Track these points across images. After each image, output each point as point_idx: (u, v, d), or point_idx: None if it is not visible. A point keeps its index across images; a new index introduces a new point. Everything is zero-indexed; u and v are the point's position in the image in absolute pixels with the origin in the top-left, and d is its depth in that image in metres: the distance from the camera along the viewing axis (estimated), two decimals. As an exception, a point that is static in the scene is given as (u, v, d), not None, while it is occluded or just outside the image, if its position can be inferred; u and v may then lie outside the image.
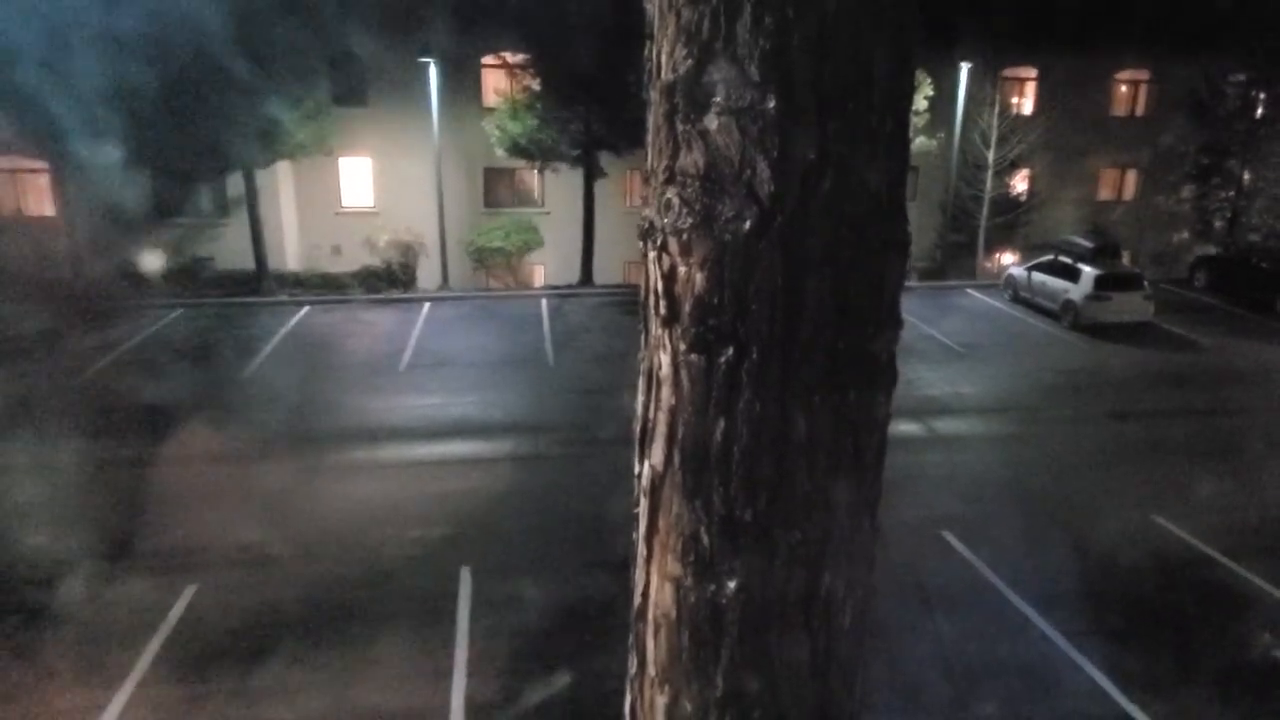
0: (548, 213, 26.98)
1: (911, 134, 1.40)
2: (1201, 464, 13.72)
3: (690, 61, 1.28)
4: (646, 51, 1.39)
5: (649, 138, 1.40)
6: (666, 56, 1.32)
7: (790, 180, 1.27)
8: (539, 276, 27.40)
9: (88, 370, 16.77)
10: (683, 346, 1.38)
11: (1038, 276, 22.42)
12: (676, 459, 1.43)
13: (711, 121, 1.28)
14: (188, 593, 9.61)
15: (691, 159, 1.31)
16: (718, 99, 1.27)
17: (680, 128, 1.32)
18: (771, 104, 1.24)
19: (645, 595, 1.56)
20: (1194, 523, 11.57)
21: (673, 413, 1.42)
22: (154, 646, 8.75)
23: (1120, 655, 8.93)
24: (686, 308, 1.36)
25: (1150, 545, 11.20)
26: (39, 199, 23.69)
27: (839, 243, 1.31)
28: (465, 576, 10.06)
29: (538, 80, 23.25)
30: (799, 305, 1.31)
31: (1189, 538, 11.27)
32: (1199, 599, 10.11)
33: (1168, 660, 8.99)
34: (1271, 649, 9.20)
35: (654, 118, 1.37)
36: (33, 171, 23.19)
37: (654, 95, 1.37)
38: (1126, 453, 14.19)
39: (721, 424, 1.37)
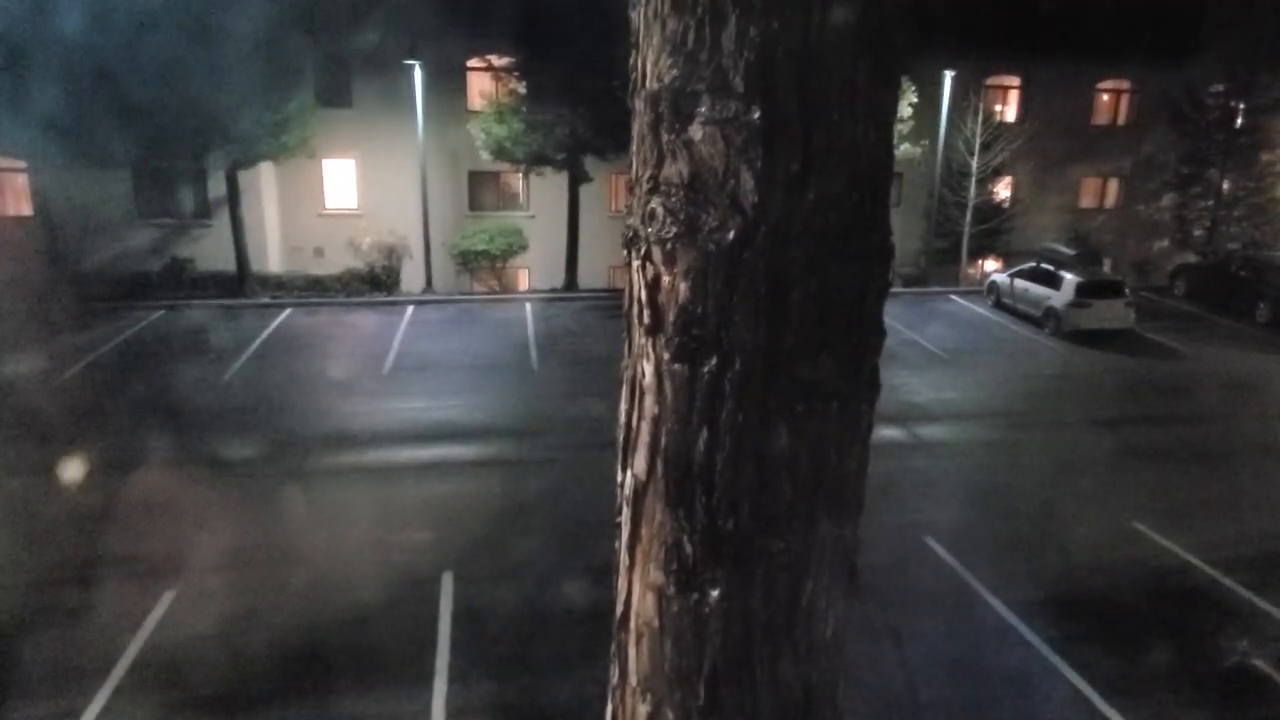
0: (532, 216, 26.94)
1: (895, 141, 1.40)
2: (1181, 471, 13.84)
3: (675, 72, 1.28)
4: (632, 61, 1.39)
5: (634, 147, 1.40)
6: (652, 66, 1.33)
7: (774, 191, 1.27)
8: (523, 280, 27.34)
9: (65, 373, 16.60)
10: (666, 356, 1.37)
11: (1020, 283, 22.60)
12: (659, 468, 1.43)
13: (696, 131, 1.28)
14: (166, 598, 9.53)
15: (676, 169, 1.31)
16: (702, 109, 1.27)
17: (665, 137, 1.32)
18: (756, 115, 1.24)
19: (628, 604, 1.56)
20: (1174, 529, 11.66)
21: (656, 422, 1.42)
22: (132, 651, 8.66)
23: (1100, 660, 8.99)
24: (670, 317, 1.36)
25: (1130, 551, 11.28)
26: (16, 198, 23.43)
27: (822, 253, 1.31)
28: (447, 581, 10.01)
29: (523, 84, 23.23)
30: (782, 315, 1.32)
31: (1169, 544, 11.36)
32: (1178, 605, 10.19)
33: (1147, 666, 9.05)
34: (1249, 655, 9.28)
35: (639, 127, 1.37)
36: (9, 171, 22.93)
37: (639, 105, 1.37)
38: (1107, 459, 14.30)
39: (705, 434, 1.37)
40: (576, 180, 23.95)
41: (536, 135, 22.75)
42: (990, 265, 28.74)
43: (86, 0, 17.72)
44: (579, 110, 21.91)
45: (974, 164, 26.08)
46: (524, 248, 26.23)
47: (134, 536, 10.79)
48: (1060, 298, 20.95)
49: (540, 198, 26.55)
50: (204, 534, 10.91)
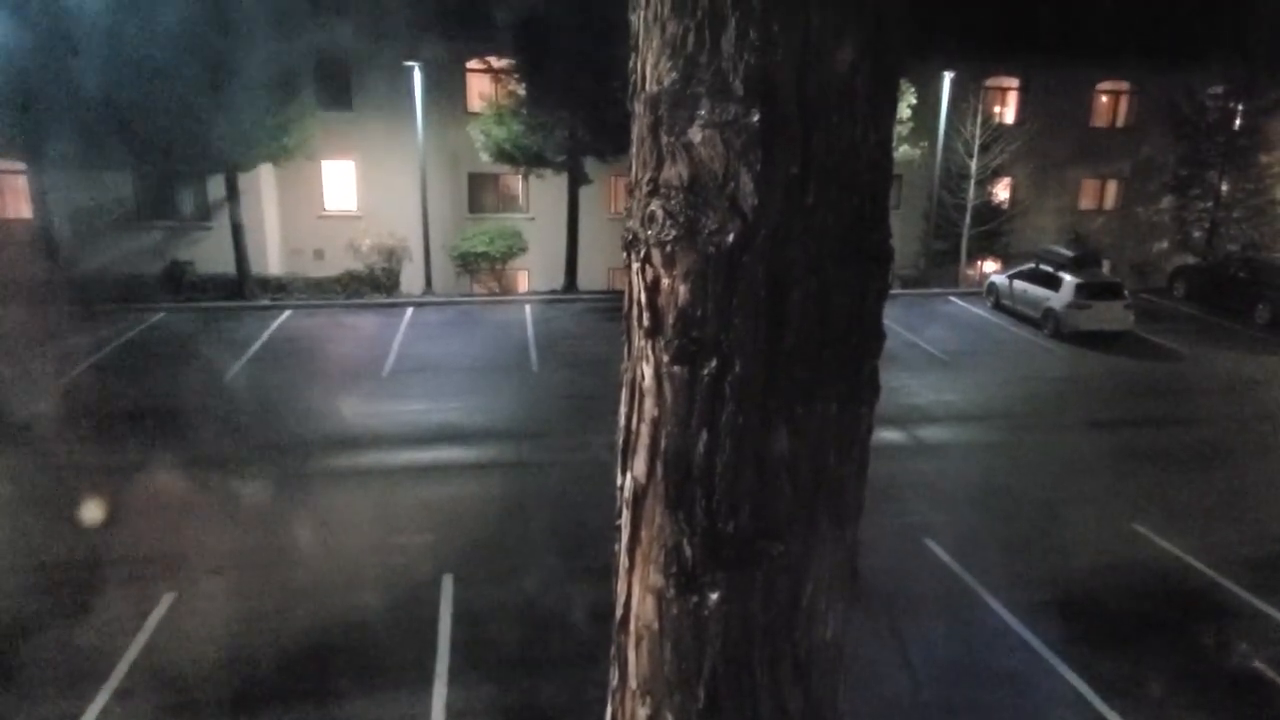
0: (532, 218, 26.95)
1: (894, 143, 1.40)
2: (1181, 472, 13.84)
3: (675, 74, 1.28)
4: (631, 64, 1.39)
5: (633, 150, 1.40)
6: (651, 69, 1.32)
7: (773, 193, 1.27)
8: (523, 282, 27.35)
9: (67, 375, 16.60)
10: (666, 358, 1.37)
11: (1019, 285, 22.61)
12: (659, 471, 1.42)
13: (696, 134, 1.28)
14: (166, 600, 9.52)
15: (675, 171, 1.31)
16: (702, 112, 1.27)
17: (665, 140, 1.32)
18: (755, 117, 1.24)
19: (627, 607, 1.56)
20: (1174, 531, 11.66)
21: (655, 424, 1.41)
22: (132, 653, 8.65)
23: (1099, 662, 8.99)
24: (670, 319, 1.36)
25: (1130, 553, 11.27)
26: (15, 201, 23.43)
27: (821, 255, 1.31)
28: (447, 584, 10.01)
29: (523, 86, 23.24)
30: (782, 317, 1.31)
31: (1169, 546, 11.36)
32: (1178, 607, 10.19)
33: (1147, 667, 9.04)
34: (1250, 657, 9.27)
35: (638, 130, 1.37)
36: (9, 173, 22.93)
37: (638, 108, 1.37)
38: (1107, 461, 14.29)
39: (704, 436, 1.37)
40: (576, 182, 23.95)
41: (536, 137, 22.76)
42: (989, 267, 28.74)
43: (87, 4, 17.73)
44: (578, 112, 21.92)
45: (973, 165, 26.08)
46: (524, 249, 26.23)
47: (134, 538, 10.79)
48: (1059, 299, 20.96)
49: (540, 200, 26.55)
50: (204, 536, 10.91)
